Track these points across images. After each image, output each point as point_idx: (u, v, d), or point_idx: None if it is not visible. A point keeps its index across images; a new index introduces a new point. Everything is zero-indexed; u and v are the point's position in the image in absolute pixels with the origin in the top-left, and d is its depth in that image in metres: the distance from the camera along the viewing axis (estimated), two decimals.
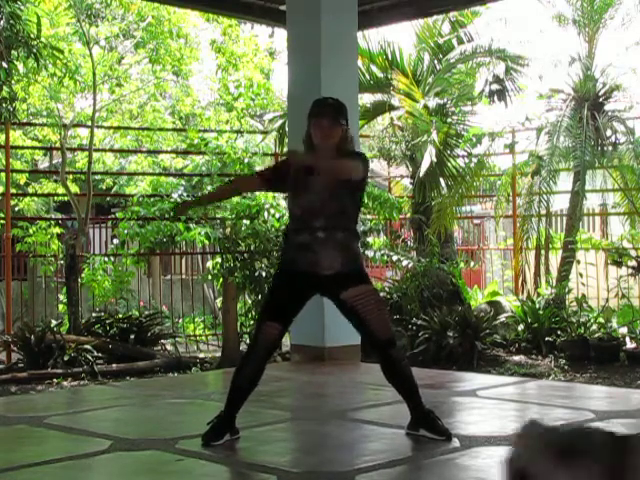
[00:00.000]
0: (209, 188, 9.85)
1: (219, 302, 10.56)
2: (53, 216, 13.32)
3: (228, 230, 9.46)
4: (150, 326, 9.46)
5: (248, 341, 9.58)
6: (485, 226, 15.21)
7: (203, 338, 10.73)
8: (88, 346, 8.56)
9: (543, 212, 10.29)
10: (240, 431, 4.48)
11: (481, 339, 8.75)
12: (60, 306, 10.50)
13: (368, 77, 11.67)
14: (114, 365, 8.48)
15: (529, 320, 9.40)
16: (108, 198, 14.77)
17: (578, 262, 10.41)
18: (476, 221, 14.88)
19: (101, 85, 11.62)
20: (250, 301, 9.73)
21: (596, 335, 8.70)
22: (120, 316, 9.63)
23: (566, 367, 8.35)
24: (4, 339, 9.02)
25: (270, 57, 16.60)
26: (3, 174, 10.41)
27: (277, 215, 9.68)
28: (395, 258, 10.07)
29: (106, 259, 10.20)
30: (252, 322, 9.65)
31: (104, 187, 14.44)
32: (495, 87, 11.05)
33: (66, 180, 10.39)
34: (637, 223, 10.30)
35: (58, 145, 11.07)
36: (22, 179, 12.59)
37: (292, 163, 4.42)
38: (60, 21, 10.65)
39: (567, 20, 11.07)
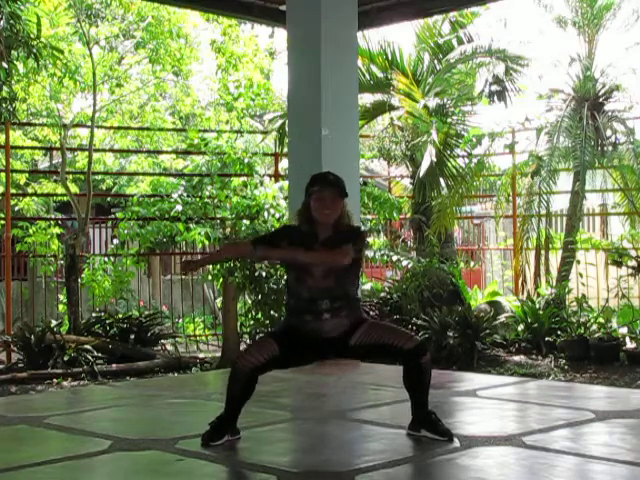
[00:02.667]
0: (209, 188, 9.85)
1: (219, 302, 10.56)
2: (53, 216, 13.33)
3: (228, 230, 9.46)
4: (150, 326, 9.46)
5: (248, 341, 9.59)
6: (485, 226, 15.22)
7: (203, 338, 10.74)
8: (88, 346, 8.57)
9: (543, 212, 10.29)
10: (240, 431, 4.48)
11: (481, 339, 8.74)
12: (60, 306, 10.51)
13: (368, 77, 11.68)
14: (114, 365, 8.48)
15: (529, 320, 9.40)
16: (108, 198, 14.77)
17: (578, 262, 10.41)
18: (476, 221, 14.88)
19: (101, 85, 11.62)
20: (250, 301, 9.73)
21: (596, 335, 8.69)
22: (120, 316, 9.63)
23: (566, 367, 8.35)
24: (4, 339, 9.02)
25: (270, 57, 16.61)
26: (3, 174, 10.41)
27: (277, 215, 9.68)
28: (395, 258, 10.07)
29: (106, 259, 10.20)
30: (252, 322, 9.66)
31: (104, 187, 14.44)
32: (495, 87, 11.06)
33: (66, 180, 10.39)
34: (637, 223, 10.30)
35: (58, 145, 11.07)
36: (22, 179, 12.59)
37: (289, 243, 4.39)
38: (60, 21, 10.66)
39: (566, 23, 11.06)
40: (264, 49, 15.57)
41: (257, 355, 4.28)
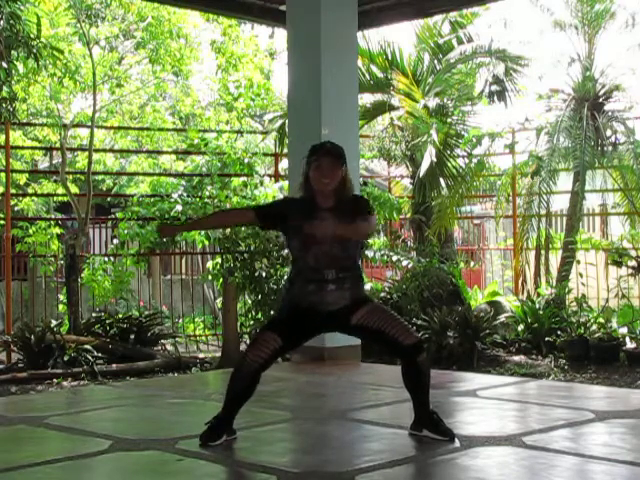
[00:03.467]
0: (209, 188, 9.85)
1: (219, 302, 10.56)
2: (53, 216, 13.33)
3: (228, 230, 9.46)
4: (150, 326, 9.46)
5: (248, 341, 9.59)
6: (485, 226, 15.22)
7: (203, 338, 10.73)
8: (88, 346, 8.56)
9: (543, 212, 10.29)
10: (240, 431, 4.48)
11: (481, 339, 8.74)
12: (60, 306, 10.50)
13: (368, 77, 11.68)
14: (114, 365, 8.48)
15: (529, 320, 9.40)
16: (109, 198, 14.77)
17: (578, 262, 10.41)
18: (476, 221, 14.88)
19: (101, 85, 11.62)
20: (250, 301, 9.73)
21: (596, 335, 8.69)
22: (120, 316, 9.63)
23: (566, 367, 8.35)
24: (4, 339, 9.02)
25: (270, 58, 16.61)
26: (3, 174, 10.41)
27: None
28: (395, 258, 10.07)
29: (106, 259, 10.20)
30: (252, 322, 9.65)
31: (105, 188, 14.44)
32: (495, 87, 11.06)
33: (66, 180, 10.39)
34: (637, 223, 10.30)
35: (58, 145, 11.06)
36: (22, 179, 12.58)
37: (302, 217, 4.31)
38: (60, 21, 10.66)
39: (565, 25, 11.06)
40: (264, 49, 15.57)
41: (265, 349, 4.28)
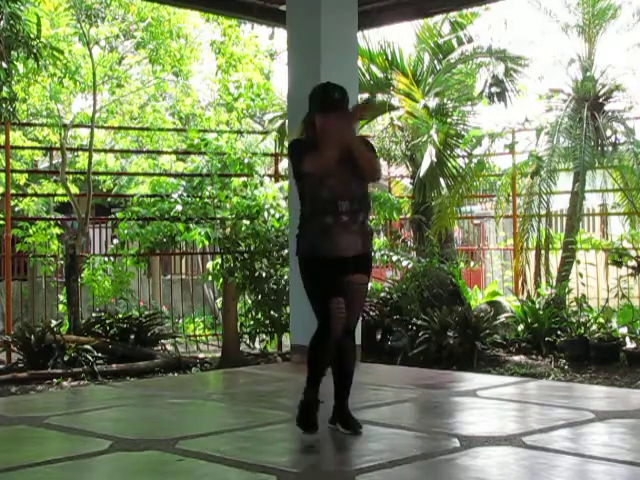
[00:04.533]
0: (209, 188, 9.85)
1: (219, 302, 10.56)
2: (53, 216, 13.32)
3: (228, 230, 9.47)
4: (150, 326, 9.46)
5: (248, 341, 9.59)
6: (485, 226, 15.21)
7: (203, 338, 10.73)
8: (88, 346, 8.56)
9: (543, 212, 10.29)
10: (240, 431, 4.49)
11: (481, 339, 8.74)
12: (60, 306, 10.50)
13: (368, 77, 11.67)
14: (114, 365, 8.48)
15: (529, 320, 9.40)
16: (109, 199, 14.77)
17: (578, 262, 10.41)
18: (476, 221, 14.87)
19: (101, 85, 11.61)
20: (250, 301, 9.73)
21: (596, 335, 8.69)
22: (120, 316, 9.63)
23: (566, 367, 8.35)
24: (4, 339, 9.02)
25: (270, 59, 16.61)
26: (3, 174, 10.41)
27: (277, 215, 9.67)
28: (395, 258, 10.07)
29: (106, 259, 10.20)
30: (252, 322, 9.66)
31: (105, 188, 14.44)
32: (495, 88, 11.06)
33: (66, 180, 10.39)
34: (637, 223, 10.29)
35: (58, 145, 11.06)
36: (22, 180, 12.58)
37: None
38: (60, 21, 10.64)
39: (567, 26, 11.05)
40: (264, 50, 15.57)
41: (339, 312, 4.45)
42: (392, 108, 11.72)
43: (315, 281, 4.60)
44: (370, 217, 4.77)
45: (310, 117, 4.60)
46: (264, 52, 15.55)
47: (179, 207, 9.38)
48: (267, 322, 9.55)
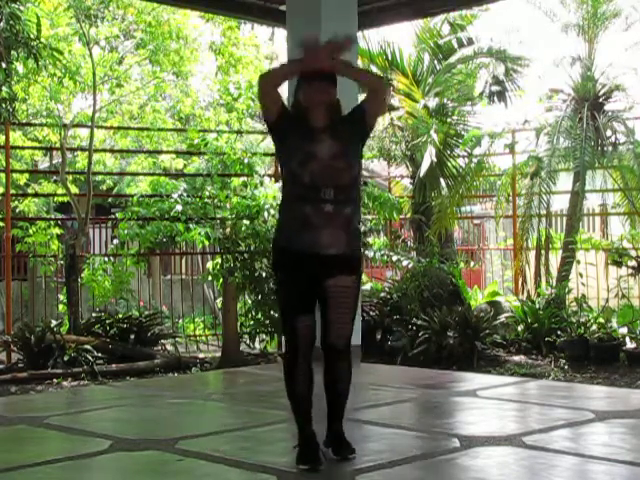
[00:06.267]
0: (209, 188, 9.84)
1: (219, 302, 10.56)
2: (53, 216, 13.32)
3: (228, 230, 9.46)
4: (150, 326, 9.46)
5: (248, 341, 9.59)
6: (485, 226, 15.21)
7: (203, 338, 10.73)
8: (88, 346, 8.56)
9: (543, 212, 10.29)
10: (240, 431, 4.49)
11: (481, 339, 8.74)
12: (60, 306, 10.50)
13: None
14: (114, 365, 8.48)
15: (529, 320, 9.40)
16: (110, 199, 14.76)
17: (578, 262, 10.41)
18: (476, 221, 14.88)
19: (101, 85, 11.61)
20: (250, 301, 9.73)
21: (596, 335, 8.69)
22: (120, 316, 9.63)
23: (566, 367, 8.35)
24: (4, 339, 9.02)
25: (269, 61, 16.60)
26: (3, 174, 10.40)
27: (277, 215, 9.66)
28: (395, 258, 10.07)
29: (106, 259, 10.20)
30: (252, 322, 9.65)
31: (105, 188, 14.44)
32: (495, 88, 11.07)
33: (66, 180, 10.39)
34: (637, 223, 10.29)
35: (58, 145, 11.06)
36: (22, 180, 12.58)
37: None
38: (60, 22, 10.64)
39: (567, 26, 11.05)
40: (264, 54, 15.57)
41: (303, 340, 4.08)
42: (392, 108, 11.72)
43: (285, 288, 4.10)
44: (360, 215, 4.18)
45: (295, 95, 4.24)
46: (264, 54, 15.55)
47: (179, 207, 9.38)
48: (267, 322, 9.55)
